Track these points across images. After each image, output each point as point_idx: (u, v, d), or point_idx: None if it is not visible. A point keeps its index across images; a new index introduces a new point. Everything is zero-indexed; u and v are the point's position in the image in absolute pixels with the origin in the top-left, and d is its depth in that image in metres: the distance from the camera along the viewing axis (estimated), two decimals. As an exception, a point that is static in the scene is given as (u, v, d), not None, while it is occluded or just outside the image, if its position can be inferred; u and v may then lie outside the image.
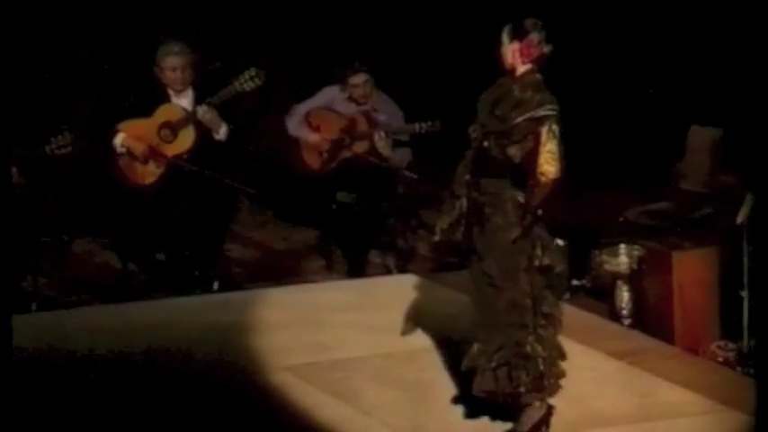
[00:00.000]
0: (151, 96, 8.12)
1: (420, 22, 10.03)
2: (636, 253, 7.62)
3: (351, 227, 8.52)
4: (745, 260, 6.91)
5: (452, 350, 6.75)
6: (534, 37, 6.03)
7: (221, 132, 8.11)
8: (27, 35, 9.25)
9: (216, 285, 8.02)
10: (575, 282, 7.89)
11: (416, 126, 8.59)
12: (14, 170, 7.62)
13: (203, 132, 8.10)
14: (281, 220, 9.30)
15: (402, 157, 8.62)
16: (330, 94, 8.86)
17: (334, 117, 8.75)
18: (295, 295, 7.86)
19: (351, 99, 8.74)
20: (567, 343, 6.97)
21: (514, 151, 5.99)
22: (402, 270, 8.44)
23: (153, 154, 8.03)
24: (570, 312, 7.53)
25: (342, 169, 8.64)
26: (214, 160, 8.08)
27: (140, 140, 8.03)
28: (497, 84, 6.11)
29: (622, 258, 7.66)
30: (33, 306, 7.61)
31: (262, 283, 8.22)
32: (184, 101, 8.20)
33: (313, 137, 8.69)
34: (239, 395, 6.42)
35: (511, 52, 6.03)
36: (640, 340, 7.19)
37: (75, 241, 8.68)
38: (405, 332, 6.98)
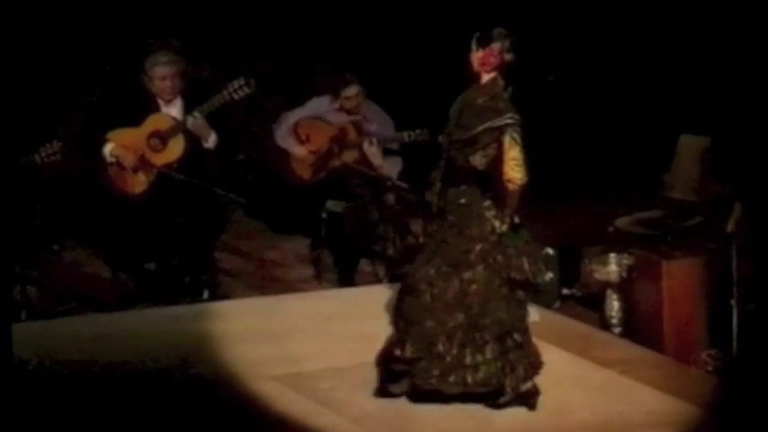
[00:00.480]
0: (140, 106, 8.13)
1: (407, 31, 10.05)
2: (626, 262, 7.65)
3: (341, 236, 8.54)
4: (735, 269, 6.94)
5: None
6: (496, 46, 6.20)
7: (210, 141, 8.13)
8: (17, 44, 9.25)
9: (206, 294, 8.02)
10: (565, 291, 7.94)
11: (405, 135, 8.66)
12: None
13: (193, 141, 8.11)
14: (270, 229, 9.31)
15: (392, 166, 8.67)
16: (320, 104, 8.89)
17: (323, 126, 8.78)
18: (284, 304, 7.86)
19: (342, 109, 8.78)
20: (556, 352, 7.02)
21: (478, 159, 6.17)
22: (392, 279, 8.45)
23: (142, 163, 8.05)
24: (560, 321, 7.59)
25: (331, 178, 8.67)
26: (203, 169, 8.10)
27: (130, 150, 8.05)
28: (464, 93, 6.28)
29: (612, 267, 7.69)
30: (23, 315, 7.60)
31: (251, 293, 8.24)
32: (174, 110, 8.22)
33: (299, 149, 8.74)
34: (228, 405, 6.42)
35: (476, 60, 6.22)
36: (630, 349, 7.21)
37: (65, 251, 8.68)
38: None
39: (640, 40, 9.71)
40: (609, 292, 7.57)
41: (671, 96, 9.48)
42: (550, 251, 7.94)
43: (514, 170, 6.12)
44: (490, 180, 6.18)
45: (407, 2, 9.99)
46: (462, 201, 6.20)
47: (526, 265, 6.24)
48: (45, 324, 7.51)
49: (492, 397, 6.28)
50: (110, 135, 8.08)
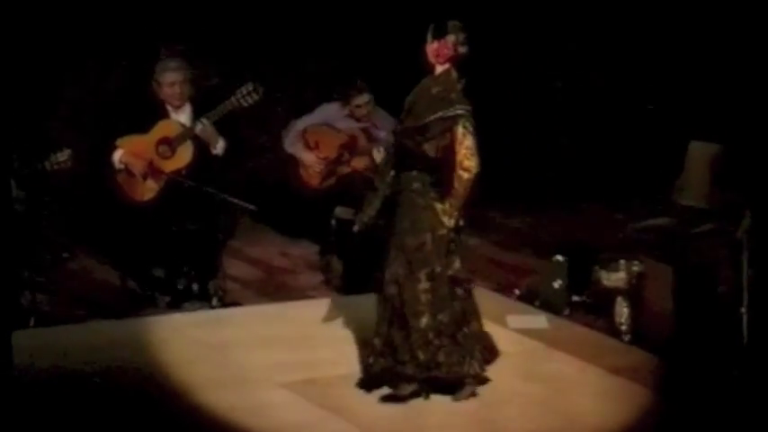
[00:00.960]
0: (149, 112, 8.16)
1: (415, 37, 10.09)
2: (635, 269, 7.69)
3: (350, 243, 8.56)
4: (745, 276, 6.98)
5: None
6: (451, 38, 6.40)
7: (218, 147, 8.15)
8: (27, 50, 9.30)
9: (214, 301, 8.03)
10: (574, 298, 7.95)
11: None
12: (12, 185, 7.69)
13: (201, 148, 8.14)
14: (279, 236, 9.34)
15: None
16: (329, 111, 8.90)
17: (332, 133, 8.80)
18: (293, 311, 7.90)
19: (351, 116, 8.80)
20: (566, 359, 7.06)
21: (429, 147, 6.39)
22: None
23: (151, 170, 8.07)
24: (570, 328, 7.62)
25: (341, 185, 8.70)
26: (212, 176, 8.12)
27: (139, 157, 8.07)
28: (419, 84, 6.46)
29: (622, 274, 7.73)
30: (31, 321, 7.62)
31: (260, 299, 8.26)
32: (182, 116, 8.24)
33: (308, 155, 8.75)
34: (237, 412, 6.44)
35: (430, 51, 6.43)
36: (639, 356, 7.24)
37: (74, 257, 8.70)
38: None
39: (652, 46, 9.75)
40: (619, 299, 7.60)
41: (681, 103, 9.51)
42: (560, 258, 7.98)
43: (469, 159, 6.36)
44: (441, 169, 6.39)
45: (415, 7, 10.02)
46: (413, 187, 6.42)
47: (458, 265, 6.50)
48: (54, 331, 7.53)
49: (452, 386, 6.51)
50: (119, 142, 8.10)
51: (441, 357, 6.49)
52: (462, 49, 6.43)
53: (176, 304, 8.06)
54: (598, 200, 9.59)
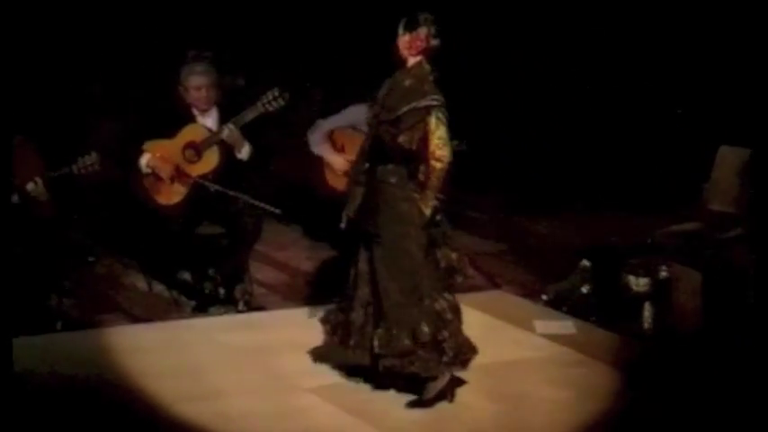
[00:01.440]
0: (176, 116, 8.22)
1: (446, 43, 10.15)
2: (663, 274, 7.73)
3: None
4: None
5: (481, 372, 6.85)
6: (423, 30, 6.53)
7: (244, 152, 8.18)
8: (53, 52, 9.40)
9: (241, 305, 8.09)
10: (601, 302, 7.98)
11: None
12: (42, 187, 7.77)
13: (227, 152, 8.19)
14: (306, 240, 9.39)
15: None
16: (356, 113, 8.88)
17: (359, 136, 8.78)
18: (320, 315, 7.92)
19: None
20: (592, 364, 7.10)
21: (404, 139, 6.52)
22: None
23: (178, 174, 8.14)
24: (596, 333, 7.66)
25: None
26: (238, 180, 8.17)
27: (165, 161, 8.12)
28: (392, 76, 6.59)
29: (649, 279, 7.76)
30: (58, 326, 7.67)
31: (286, 303, 8.30)
32: (209, 120, 8.28)
33: (335, 157, 8.77)
34: (265, 417, 6.50)
35: (402, 44, 6.55)
36: (666, 361, 7.27)
37: (101, 261, 8.78)
38: None
39: (681, 50, 9.78)
40: (646, 304, 7.64)
41: (711, 107, 9.53)
42: (587, 263, 8.02)
43: (441, 149, 6.49)
44: (417, 161, 6.52)
45: (442, 10, 10.07)
46: (391, 180, 6.56)
47: (453, 255, 6.62)
48: (80, 335, 7.58)
49: (423, 382, 6.62)
50: (146, 146, 8.16)
51: (419, 352, 6.58)
52: (434, 42, 6.57)
53: (202, 308, 8.11)
54: (626, 204, 9.62)
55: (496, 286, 8.65)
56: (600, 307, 7.96)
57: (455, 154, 8.57)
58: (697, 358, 7.19)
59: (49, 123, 9.01)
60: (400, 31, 6.57)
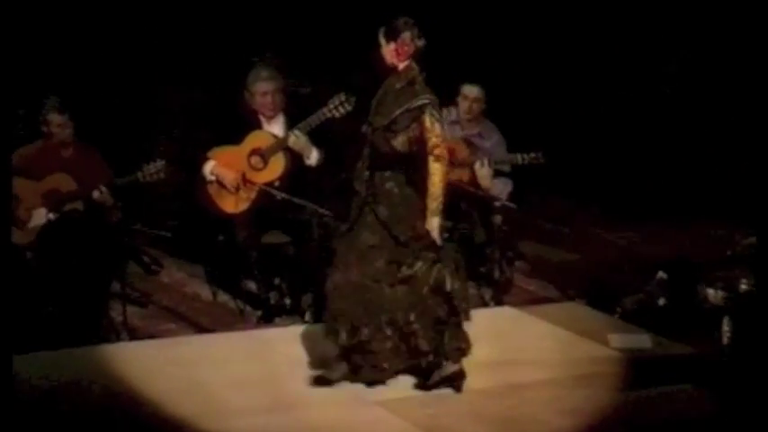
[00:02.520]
0: (241, 123, 8.32)
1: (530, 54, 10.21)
2: (744, 287, 7.70)
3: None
4: None
5: (549, 386, 6.88)
6: (407, 35, 6.69)
7: (312, 158, 8.25)
8: (123, 60, 9.53)
9: (307, 316, 8.15)
10: (678, 315, 7.96)
11: (519, 157, 8.71)
12: (107, 194, 7.91)
13: (294, 159, 8.26)
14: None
15: (502, 187, 8.73)
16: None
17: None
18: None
19: (455, 122, 8.83)
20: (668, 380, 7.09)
21: (398, 142, 6.67)
22: (498, 302, 8.54)
23: (243, 182, 8.21)
24: (672, 347, 7.65)
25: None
26: (305, 187, 8.24)
27: (230, 168, 8.22)
28: (384, 83, 6.75)
29: (729, 292, 7.74)
30: (123, 336, 7.80)
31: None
32: (275, 126, 8.37)
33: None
34: (331, 429, 6.57)
35: (389, 53, 6.70)
36: (745, 376, 7.23)
37: (165, 270, 8.88)
38: None
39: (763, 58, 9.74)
40: (724, 318, 7.62)
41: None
42: (664, 275, 8.01)
43: (440, 147, 6.63)
44: (414, 165, 6.66)
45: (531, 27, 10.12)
46: (389, 186, 6.70)
47: (448, 282, 6.74)
48: (143, 345, 7.68)
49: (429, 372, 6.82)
50: (211, 153, 8.26)
51: (423, 346, 6.76)
52: (420, 42, 6.72)
53: (268, 319, 8.20)
54: (707, 216, 9.59)
55: (570, 298, 8.67)
56: (677, 321, 7.94)
57: (534, 166, 8.69)
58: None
59: (116, 131, 9.14)
60: (382, 41, 6.73)
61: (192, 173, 8.33)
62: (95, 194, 7.94)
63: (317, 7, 10.08)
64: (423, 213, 6.68)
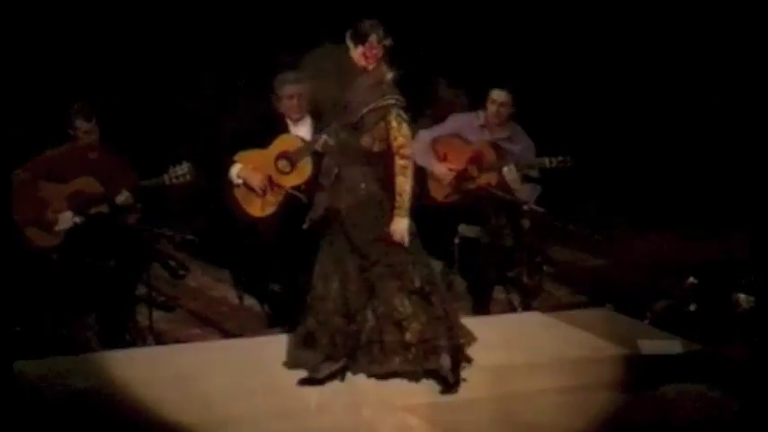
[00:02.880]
0: (269, 126, 8.34)
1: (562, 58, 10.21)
2: (775, 292, 7.70)
3: (475, 262, 8.62)
4: None
5: (578, 392, 6.87)
6: (374, 38, 6.83)
7: (340, 161, 8.29)
8: (149, 63, 9.57)
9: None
10: (709, 322, 7.94)
11: (547, 161, 8.72)
12: (131, 198, 7.95)
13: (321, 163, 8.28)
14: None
15: (530, 192, 8.73)
16: (459, 122, 8.92)
17: (461, 146, 8.82)
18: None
19: (483, 126, 8.84)
20: (698, 386, 7.08)
21: (366, 140, 6.81)
22: (526, 307, 8.54)
23: (270, 185, 8.24)
24: (702, 354, 7.63)
25: (465, 201, 8.73)
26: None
27: (257, 171, 8.25)
28: (354, 82, 6.88)
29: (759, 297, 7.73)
30: (149, 340, 7.84)
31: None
32: (302, 130, 8.39)
33: (439, 167, 8.82)
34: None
35: (357, 56, 6.84)
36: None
37: (191, 274, 8.93)
38: None
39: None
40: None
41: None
42: (694, 280, 7.99)
43: (406, 147, 6.77)
44: (382, 163, 6.78)
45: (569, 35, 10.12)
46: (356, 182, 6.81)
47: (417, 279, 6.85)
48: (170, 349, 7.69)
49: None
50: (237, 156, 8.29)
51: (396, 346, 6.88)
52: (387, 42, 6.85)
53: (295, 322, 8.20)
54: (740, 221, 9.55)
55: (599, 304, 8.65)
56: (708, 326, 7.93)
57: (562, 170, 8.69)
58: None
59: (142, 133, 9.18)
60: (350, 45, 6.85)
61: (217, 176, 8.35)
62: (119, 199, 7.97)
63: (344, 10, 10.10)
64: (390, 213, 6.80)
